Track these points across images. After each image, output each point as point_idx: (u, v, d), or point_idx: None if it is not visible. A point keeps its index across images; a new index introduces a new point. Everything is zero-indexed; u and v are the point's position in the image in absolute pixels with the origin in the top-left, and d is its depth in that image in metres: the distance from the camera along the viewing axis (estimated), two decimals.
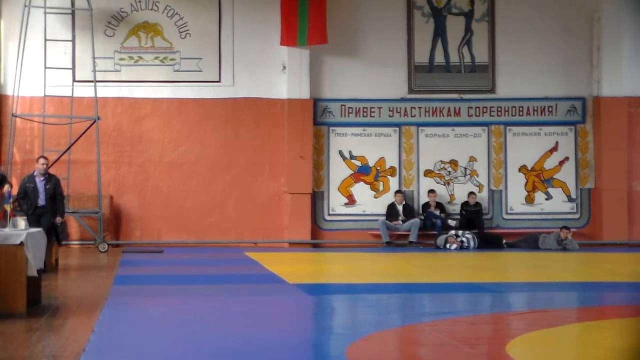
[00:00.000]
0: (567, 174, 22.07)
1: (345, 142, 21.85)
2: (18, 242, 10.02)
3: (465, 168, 22.02)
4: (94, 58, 20.26)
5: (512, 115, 22.08)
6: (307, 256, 19.60)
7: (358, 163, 21.87)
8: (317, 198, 21.66)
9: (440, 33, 22.03)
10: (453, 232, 20.82)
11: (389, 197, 21.74)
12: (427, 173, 21.95)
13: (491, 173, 22.03)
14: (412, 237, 21.11)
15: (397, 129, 21.95)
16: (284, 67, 21.45)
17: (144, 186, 21.33)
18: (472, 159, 22.02)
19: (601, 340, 8.93)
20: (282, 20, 21.17)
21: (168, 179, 21.38)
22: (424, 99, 21.96)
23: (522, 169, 22.06)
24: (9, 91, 20.75)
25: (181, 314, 10.39)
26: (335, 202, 21.74)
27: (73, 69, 21.06)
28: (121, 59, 21.31)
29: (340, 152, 21.84)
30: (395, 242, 21.34)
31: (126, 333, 9.03)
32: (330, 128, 21.83)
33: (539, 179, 22.06)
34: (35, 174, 15.75)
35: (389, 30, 21.88)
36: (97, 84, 20.32)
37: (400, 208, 21.50)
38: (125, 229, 21.19)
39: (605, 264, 17.80)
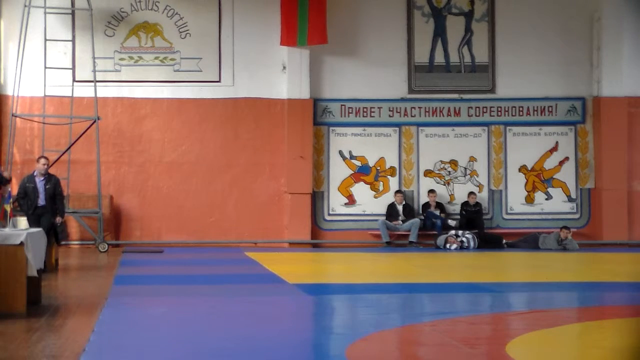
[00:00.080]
0: (567, 174, 22.07)
1: (345, 142, 21.85)
2: (18, 242, 10.02)
3: (465, 168, 22.02)
4: (94, 58, 20.26)
5: (512, 115, 22.08)
6: (307, 256, 19.60)
7: (358, 163, 21.87)
8: (317, 198, 21.66)
9: (440, 33, 22.03)
10: (453, 232, 20.81)
11: (389, 197, 21.74)
12: (427, 173, 21.95)
13: (491, 173, 22.03)
14: (412, 237, 21.11)
15: (397, 129, 21.95)
16: (284, 67, 21.45)
17: (144, 186, 21.33)
18: (472, 159, 22.02)
19: (601, 340, 8.93)
20: (282, 20, 21.17)
21: (168, 179, 21.39)
22: (424, 99, 21.96)
23: (522, 169, 22.06)
24: (9, 91, 20.75)
25: (181, 314, 10.39)
26: (335, 202, 21.74)
27: (73, 69, 21.06)
28: (121, 59, 21.32)
29: (340, 152, 21.84)
30: (395, 242, 21.34)
31: (126, 333, 9.03)
32: (330, 128, 21.83)
33: (539, 179, 22.06)
34: (35, 174, 15.75)
35: (389, 30, 21.88)
36: (97, 84, 20.32)
37: (400, 208, 21.50)
38: (125, 229, 21.19)
39: (605, 264, 17.80)
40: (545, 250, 20.32)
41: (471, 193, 21.71)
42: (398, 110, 21.93)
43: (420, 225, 21.19)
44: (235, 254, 19.03)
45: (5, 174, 15.71)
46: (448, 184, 21.98)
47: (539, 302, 11.87)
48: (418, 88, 21.94)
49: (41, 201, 15.51)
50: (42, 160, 15.80)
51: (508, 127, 22.08)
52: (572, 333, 9.38)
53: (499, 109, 22.07)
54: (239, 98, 21.55)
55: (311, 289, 12.74)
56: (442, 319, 9.94)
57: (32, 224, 13.67)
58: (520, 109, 22.07)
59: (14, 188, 17.57)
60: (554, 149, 22.09)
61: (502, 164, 22.04)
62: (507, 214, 21.97)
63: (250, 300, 11.58)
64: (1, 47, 21.03)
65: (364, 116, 21.86)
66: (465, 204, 21.71)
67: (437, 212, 21.45)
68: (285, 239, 21.33)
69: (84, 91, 20.66)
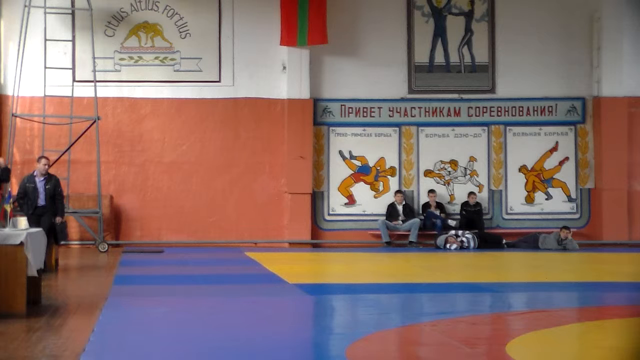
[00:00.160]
0: (567, 174, 22.07)
1: (345, 142, 21.85)
2: (18, 242, 10.01)
3: (465, 168, 22.02)
4: (94, 58, 20.26)
5: (512, 115, 22.08)
6: (307, 256, 19.60)
7: (358, 163, 21.87)
8: (317, 198, 21.66)
9: (440, 33, 22.03)
10: (453, 232, 20.82)
11: (389, 197, 21.74)
12: (427, 173, 21.95)
13: (491, 173, 22.03)
14: (412, 237, 21.11)
15: (397, 129, 21.95)
16: (284, 67, 21.45)
17: (144, 186, 21.33)
18: (472, 159, 22.02)
19: (601, 340, 8.93)
20: (282, 20, 21.17)
21: (168, 179, 21.38)
22: (424, 99, 21.96)
23: (522, 169, 22.06)
24: (9, 91, 20.75)
25: (181, 314, 10.39)
26: (335, 202, 21.74)
27: (73, 69, 21.06)
28: (121, 59, 21.32)
29: (340, 152, 21.84)
30: (395, 242, 21.34)
31: (126, 333, 9.03)
32: (330, 128, 21.83)
33: (539, 179, 22.06)
34: (35, 173, 15.75)
35: (389, 30, 21.88)
36: (97, 84, 20.32)
37: (400, 208, 21.50)
38: (125, 229, 21.19)
39: (605, 264, 17.80)
40: (545, 250, 20.32)
41: (471, 193, 21.72)
42: (398, 110, 21.93)
43: (420, 225, 21.19)
44: (235, 254, 19.03)
45: (1, 160, 15.76)
46: (448, 184, 21.98)
47: (539, 302, 11.87)
48: (418, 88, 21.94)
49: (41, 201, 15.51)
50: (43, 161, 15.79)
51: (508, 127, 22.08)
52: (572, 333, 9.38)
53: (499, 109, 22.07)
54: (239, 98, 21.55)
55: (311, 289, 12.74)
56: (442, 319, 9.94)
57: (32, 224, 13.65)
58: (520, 109, 22.07)
59: (14, 188, 17.58)
60: (554, 149, 22.09)
61: (502, 164, 22.04)
62: (507, 214, 21.97)
63: (250, 300, 11.59)
64: (1, 47, 21.03)
65: (364, 116, 21.86)
66: (465, 204, 21.71)
67: (437, 212, 21.45)
68: (285, 239, 21.33)
69: (84, 91, 20.66)
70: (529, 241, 20.80)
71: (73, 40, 20.93)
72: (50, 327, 9.29)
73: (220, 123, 21.51)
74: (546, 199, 22.02)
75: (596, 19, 21.85)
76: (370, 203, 21.77)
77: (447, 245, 20.42)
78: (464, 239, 20.53)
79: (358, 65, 21.81)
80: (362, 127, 21.86)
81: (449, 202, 21.91)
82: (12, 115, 20.07)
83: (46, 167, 15.72)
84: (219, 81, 21.51)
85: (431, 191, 21.67)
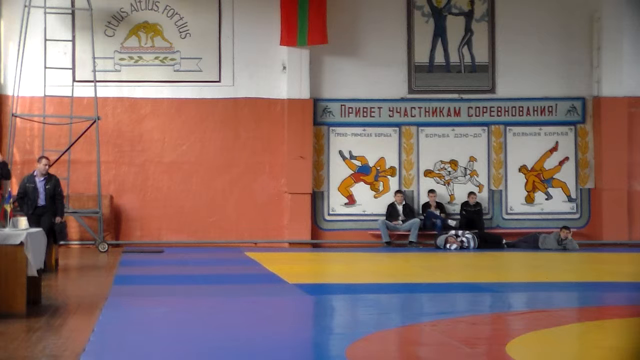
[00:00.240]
0: (567, 174, 22.07)
1: (345, 142, 21.85)
2: (18, 242, 10.01)
3: (465, 168, 22.02)
4: (94, 58, 20.26)
5: (512, 115, 22.08)
6: (307, 256, 19.60)
7: (358, 163, 21.87)
8: (317, 198, 21.66)
9: (440, 33, 22.03)
10: (453, 232, 20.82)
11: (389, 197, 21.74)
12: (427, 173, 21.95)
13: (491, 173, 22.03)
14: (412, 237, 21.11)
15: (397, 129, 21.95)
16: (284, 67, 21.45)
17: (144, 186, 21.33)
18: (472, 159, 22.02)
19: (601, 340, 8.93)
20: (282, 20, 21.17)
21: (168, 179, 21.38)
22: (424, 99, 21.96)
23: (522, 169, 22.06)
24: (9, 91, 20.75)
25: (181, 314, 10.39)
26: (335, 202, 21.74)
27: (73, 69, 21.06)
28: (121, 59, 21.32)
29: (340, 152, 21.84)
30: (395, 242, 21.34)
31: (126, 333, 9.03)
32: (330, 128, 21.83)
33: (539, 179, 22.06)
34: (35, 173, 15.75)
35: (389, 30, 21.88)
36: (97, 84, 20.32)
37: (400, 208, 21.50)
38: (125, 229, 21.19)
39: (605, 264, 17.80)
40: (545, 250, 20.32)
41: (471, 193, 21.72)
42: (398, 110, 21.93)
43: (420, 225, 21.19)
44: (235, 254, 19.03)
45: None
46: (448, 184, 21.98)
47: (539, 302, 11.87)
48: (418, 88, 21.94)
49: (41, 201, 15.51)
50: (44, 161, 15.79)
51: (508, 127, 22.08)
52: (572, 333, 9.38)
53: (499, 109, 22.07)
54: (239, 98, 21.55)
55: (311, 289, 12.74)
56: (442, 319, 9.94)
57: (32, 224, 13.66)
58: (520, 109, 22.07)
59: (14, 188, 17.59)
60: (554, 149, 22.09)
61: (502, 164, 22.04)
62: (507, 214, 21.97)
63: (250, 300, 11.59)
64: (1, 47, 21.03)
65: (364, 116, 21.86)
66: (465, 204, 21.71)
67: (437, 212, 21.45)
68: (285, 239, 21.33)
69: (84, 91, 20.66)
70: (529, 241, 20.80)
71: (73, 40, 20.93)
72: (50, 327, 9.29)
73: (220, 123, 21.51)
74: (546, 199, 22.02)
75: (596, 19, 21.85)
76: (370, 203, 21.77)
77: (447, 245, 20.42)
78: (464, 239, 20.53)
79: (358, 65, 21.81)
80: (362, 127, 21.86)
81: (449, 202, 21.91)
82: (12, 115, 20.07)
83: (46, 167, 15.73)
84: (219, 81, 21.51)
85: (431, 191, 21.67)
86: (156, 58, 21.39)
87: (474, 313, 10.53)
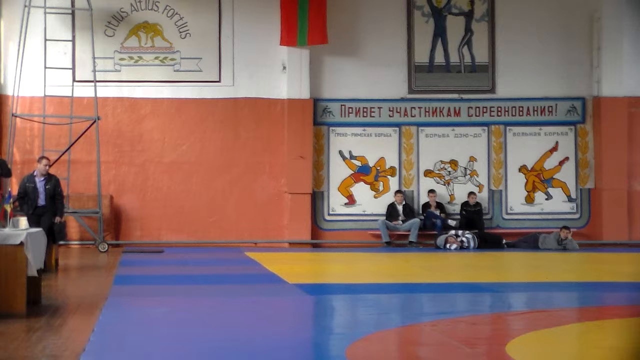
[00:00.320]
0: (567, 174, 22.07)
1: (345, 142, 21.85)
2: (18, 242, 10.01)
3: (465, 168, 22.02)
4: (94, 58, 20.27)
5: (512, 115, 22.08)
6: (307, 256, 19.60)
7: (358, 163, 21.87)
8: (317, 198, 21.66)
9: (440, 33, 22.03)
10: (453, 232, 20.82)
11: (389, 197, 21.74)
12: (427, 173, 21.95)
13: (491, 173, 22.03)
14: (412, 237, 21.11)
15: (397, 129, 21.95)
16: (284, 67, 21.45)
17: (144, 186, 21.33)
18: (472, 159, 22.02)
19: (601, 340, 8.93)
20: (282, 20, 21.17)
21: (168, 179, 21.38)
22: (424, 99, 21.96)
23: (522, 169, 22.06)
24: (9, 91, 20.75)
25: (181, 314, 10.39)
26: (335, 202, 21.74)
27: (73, 69, 21.06)
28: (121, 59, 21.32)
29: (340, 152, 21.84)
30: (395, 242, 21.34)
31: (126, 333, 9.03)
32: (330, 128, 21.83)
33: (539, 179, 22.06)
34: (35, 173, 15.74)
35: (389, 30, 21.88)
36: (97, 84, 20.32)
37: (400, 208, 21.50)
38: (125, 229, 21.19)
39: (605, 264, 17.80)
40: (545, 250, 20.32)
41: (471, 193, 21.72)
42: (398, 110, 21.93)
43: (420, 225, 21.19)
44: (235, 254, 19.03)
45: None
46: (448, 184, 21.98)
47: (539, 302, 11.87)
48: (418, 88, 21.94)
49: (41, 201, 15.50)
50: (44, 161, 15.78)
51: (508, 127, 22.08)
52: (572, 333, 9.38)
53: (499, 109, 22.07)
54: (239, 98, 21.55)
55: (311, 289, 12.74)
56: (442, 319, 9.94)
57: (32, 224, 13.66)
58: (520, 109, 22.07)
59: (14, 188, 17.59)
60: (554, 149, 22.09)
61: (502, 164, 22.04)
62: (507, 214, 21.97)
63: (250, 300, 11.59)
64: (1, 47, 21.03)
65: (364, 116, 21.86)
66: (465, 204, 21.71)
67: (437, 212, 21.45)
68: (285, 239, 21.33)
69: (84, 91, 20.66)
70: (529, 241, 20.80)
71: (73, 40, 20.93)
72: (50, 327, 9.29)
73: (220, 123, 21.52)
74: (546, 199, 22.02)
75: (596, 19, 21.85)
76: (370, 203, 21.77)
77: (447, 245, 20.42)
78: (464, 239, 20.53)
79: (358, 65, 21.81)
80: (362, 127, 21.86)
81: (449, 202, 21.91)
82: (12, 115, 20.07)
83: (47, 167, 15.72)
84: (219, 81, 21.51)
85: (431, 191, 21.67)
86: (156, 58, 21.40)
87: (474, 313, 10.53)
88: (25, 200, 15.47)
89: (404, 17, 21.95)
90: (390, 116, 21.90)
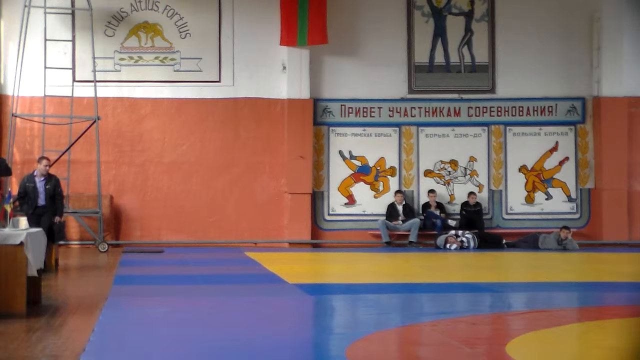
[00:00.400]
0: (567, 174, 22.07)
1: (345, 142, 21.85)
2: (18, 242, 10.02)
3: (465, 168, 22.02)
4: (94, 58, 20.27)
5: (512, 115, 22.08)
6: (307, 256, 19.60)
7: (358, 163, 21.87)
8: (317, 198, 21.66)
9: (440, 33, 22.03)
10: (453, 232, 20.82)
11: (389, 197, 21.74)
12: (427, 173, 21.95)
13: (491, 173, 22.03)
14: (412, 237, 21.11)
15: (397, 129, 21.95)
16: (284, 67, 21.45)
17: (144, 186, 21.33)
18: (472, 159, 22.02)
19: (601, 340, 8.93)
20: (282, 20, 21.17)
21: (168, 179, 21.39)
22: (424, 99, 21.96)
23: (522, 169, 22.06)
24: (9, 91, 20.75)
25: (181, 314, 10.39)
26: (335, 202, 21.74)
27: (73, 69, 21.07)
28: (121, 59, 21.32)
29: (340, 152, 21.84)
30: (395, 242, 21.34)
31: (126, 333, 9.04)
32: (330, 128, 21.83)
33: (539, 179, 22.06)
34: (35, 173, 15.74)
35: (389, 30, 21.88)
36: (97, 84, 20.32)
37: (400, 208, 21.50)
38: (125, 229, 21.19)
39: (605, 264, 17.80)
40: (545, 250, 20.32)
41: (471, 193, 21.72)
42: (398, 110, 21.93)
43: (420, 225, 21.19)
44: (235, 254, 19.03)
45: None
46: (448, 184, 21.98)
47: (539, 302, 11.87)
48: (418, 88, 21.94)
49: (41, 201, 15.50)
50: (44, 162, 15.77)
51: (508, 127, 22.08)
52: (572, 333, 9.38)
53: (499, 109, 22.07)
54: (239, 98, 21.55)
55: (311, 289, 12.74)
56: (442, 319, 9.94)
57: (32, 224, 13.66)
58: (520, 109, 22.07)
59: (14, 188, 17.59)
60: (554, 149, 22.09)
61: (502, 164, 22.04)
62: (507, 214, 21.97)
63: (250, 300, 11.59)
64: (1, 47, 21.03)
65: (364, 116, 21.87)
66: (465, 204, 21.71)
67: (437, 212, 21.45)
68: (285, 239, 21.33)
69: (84, 91, 20.66)
70: (529, 241, 20.80)
71: (73, 40, 20.93)
72: (50, 327, 9.29)
73: (220, 123, 21.52)
74: (546, 199, 22.02)
75: (596, 19, 21.85)
76: (370, 203, 21.77)
77: (447, 245, 20.42)
78: (464, 239, 20.53)
79: (358, 65, 21.81)
80: (362, 127, 21.86)
81: (449, 202, 21.91)
82: (12, 115, 20.07)
83: (47, 167, 15.72)
84: (219, 81, 21.52)
85: (431, 191, 21.67)
86: (156, 58, 21.40)
87: (474, 313, 10.53)
88: (25, 200, 15.47)
89: (404, 17, 21.96)
90: (390, 116, 21.90)
